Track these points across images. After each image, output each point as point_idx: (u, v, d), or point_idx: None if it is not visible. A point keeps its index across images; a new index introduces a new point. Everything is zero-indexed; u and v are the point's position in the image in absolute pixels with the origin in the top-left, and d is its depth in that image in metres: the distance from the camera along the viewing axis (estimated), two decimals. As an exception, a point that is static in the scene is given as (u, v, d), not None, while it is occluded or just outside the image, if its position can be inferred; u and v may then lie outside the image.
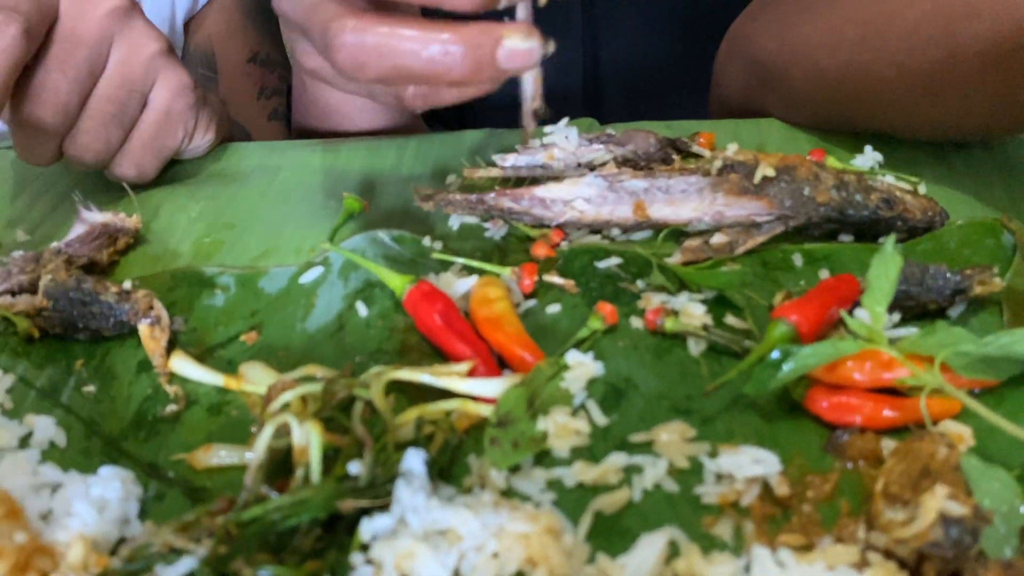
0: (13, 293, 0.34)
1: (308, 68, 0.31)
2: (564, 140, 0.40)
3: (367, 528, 0.22)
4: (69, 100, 0.36)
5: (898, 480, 0.23)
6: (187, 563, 0.22)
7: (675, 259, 0.34)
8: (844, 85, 0.38)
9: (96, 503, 0.25)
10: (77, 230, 0.38)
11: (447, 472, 0.26)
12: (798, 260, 0.34)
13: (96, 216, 0.38)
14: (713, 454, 0.26)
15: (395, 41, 0.27)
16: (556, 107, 0.61)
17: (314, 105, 0.46)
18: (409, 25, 0.27)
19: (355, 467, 0.24)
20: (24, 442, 0.28)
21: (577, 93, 0.64)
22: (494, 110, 0.59)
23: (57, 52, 0.36)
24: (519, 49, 0.27)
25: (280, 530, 0.22)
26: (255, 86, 0.68)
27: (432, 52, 0.27)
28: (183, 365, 0.31)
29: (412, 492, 0.23)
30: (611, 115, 0.61)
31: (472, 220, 0.38)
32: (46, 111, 0.35)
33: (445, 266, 0.35)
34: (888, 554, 0.22)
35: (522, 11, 0.29)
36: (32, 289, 0.34)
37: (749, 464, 0.25)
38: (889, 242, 0.28)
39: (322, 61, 0.30)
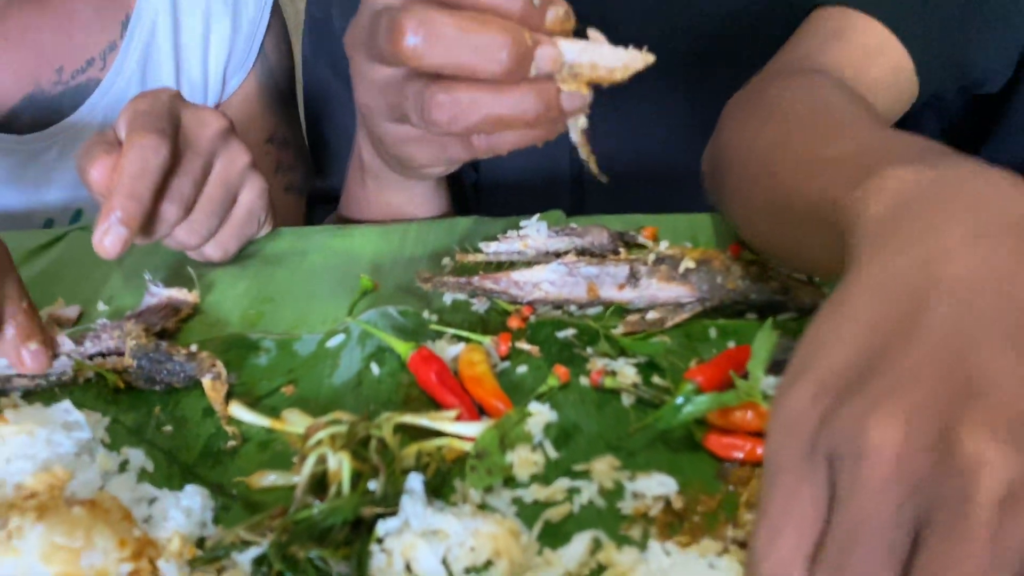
0: (104, 355, 0.44)
1: (397, 136, 0.41)
2: (535, 232, 0.51)
3: (382, 527, 0.32)
4: (189, 197, 0.46)
5: (756, 493, 0.33)
6: (255, 551, 0.32)
7: (618, 331, 0.44)
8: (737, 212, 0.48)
9: (184, 511, 0.34)
10: (148, 302, 0.48)
11: (438, 490, 0.36)
12: (713, 333, 0.44)
13: (162, 291, 0.48)
14: (632, 479, 0.36)
15: (481, 94, 0.35)
16: (545, 189, 0.71)
17: (374, 205, 0.56)
18: (486, 82, 0.35)
19: (373, 485, 0.33)
20: (123, 467, 0.38)
21: (566, 180, 0.73)
22: (503, 188, 0.69)
23: (183, 161, 0.46)
24: (575, 93, 0.36)
25: (321, 528, 0.32)
26: (273, 163, 0.78)
27: (511, 100, 0.35)
28: (239, 411, 0.41)
29: (413, 503, 0.33)
30: (594, 200, 0.71)
31: (462, 297, 0.48)
32: (172, 206, 0.46)
33: (440, 335, 0.44)
34: (742, 544, 0.31)
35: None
36: (119, 351, 0.44)
37: (656, 486, 0.35)
38: (768, 323, 0.38)
39: (408, 128, 0.39)
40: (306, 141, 0.82)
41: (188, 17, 0.73)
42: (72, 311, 0.49)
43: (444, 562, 0.32)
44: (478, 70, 0.35)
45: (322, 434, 0.36)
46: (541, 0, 0.36)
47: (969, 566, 0.19)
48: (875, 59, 0.52)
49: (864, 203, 0.29)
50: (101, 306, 0.49)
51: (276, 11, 0.78)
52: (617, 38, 0.37)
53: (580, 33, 0.37)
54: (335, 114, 0.73)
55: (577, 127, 0.38)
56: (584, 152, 0.40)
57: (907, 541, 0.21)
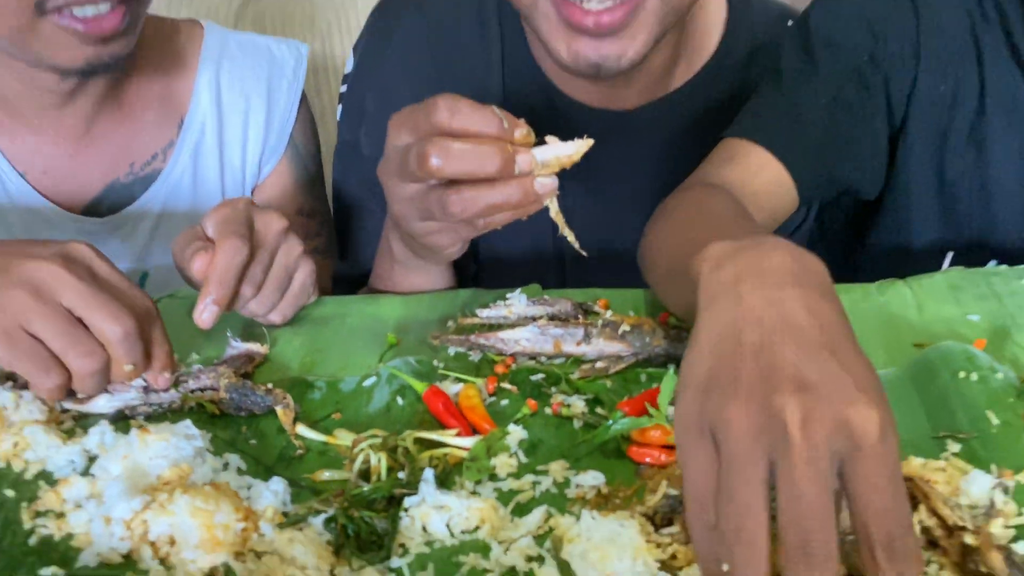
0: (203, 390, 0.61)
1: (426, 230, 0.60)
2: (517, 302, 0.68)
3: (407, 502, 0.49)
4: (260, 281, 0.63)
5: (659, 484, 0.49)
6: (324, 516, 0.48)
7: (575, 375, 0.61)
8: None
9: (272, 492, 0.51)
10: (230, 352, 0.65)
11: (444, 481, 0.52)
12: (643, 378, 0.61)
13: (241, 345, 0.65)
14: (576, 475, 0.52)
15: (481, 191, 0.53)
16: (531, 266, 0.88)
17: (399, 284, 0.74)
18: (484, 182, 0.53)
19: (401, 475, 0.50)
20: (225, 467, 0.54)
21: (550, 258, 0.90)
22: (499, 264, 0.86)
23: (256, 255, 0.63)
24: (545, 183, 0.54)
25: (368, 499, 0.48)
26: (302, 232, 0.96)
27: (502, 192, 0.53)
28: (303, 430, 0.57)
29: (428, 487, 0.49)
30: (573, 272, 0.88)
31: (462, 350, 0.65)
32: (248, 288, 0.63)
33: (445, 377, 0.61)
34: (644, 515, 0.48)
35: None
36: (213, 388, 0.61)
37: (591, 479, 0.51)
38: (670, 370, 0.55)
39: (433, 223, 0.58)
40: (332, 216, 0.99)
41: (230, 116, 0.91)
42: (161, 379, 0.65)
43: (447, 525, 0.48)
44: (479, 174, 0.53)
45: (365, 444, 0.53)
46: (509, 124, 0.54)
47: (799, 466, 0.35)
48: (757, 175, 0.70)
49: (699, 266, 0.46)
50: (194, 356, 0.66)
51: (304, 104, 0.96)
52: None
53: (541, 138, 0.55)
54: (360, 218, 0.90)
55: (553, 207, 0.57)
56: (561, 225, 0.58)
57: (765, 468, 0.36)
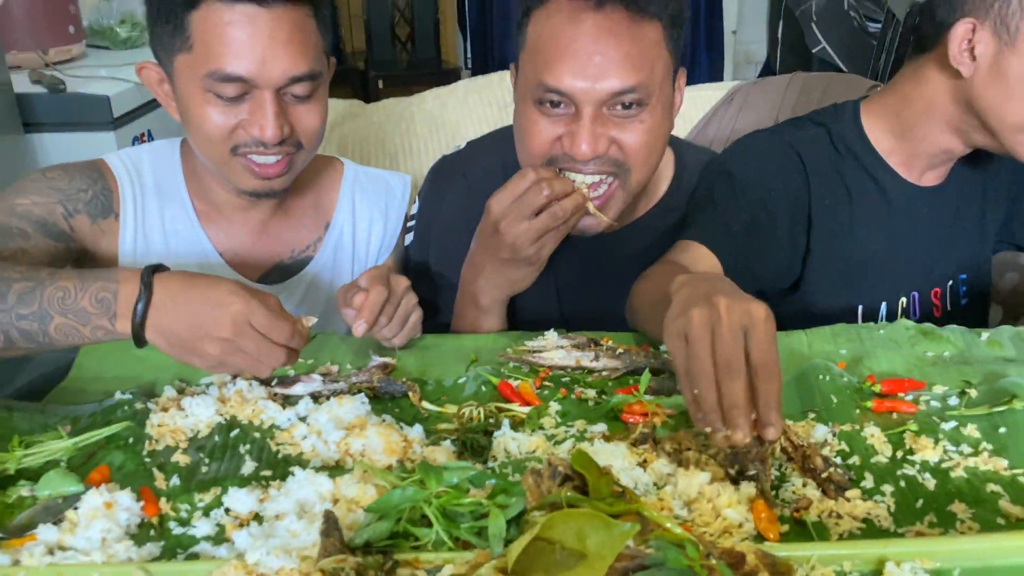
0: (361, 382, 0.98)
1: (533, 249, 1.02)
2: (551, 337, 1.06)
3: (496, 434, 0.86)
4: (391, 315, 1.01)
5: (637, 433, 0.87)
6: (449, 440, 0.86)
7: (589, 379, 0.99)
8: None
9: (415, 431, 0.88)
10: (374, 362, 1.03)
11: (513, 427, 0.89)
12: (631, 381, 0.99)
13: (378, 359, 1.03)
14: (591, 427, 0.89)
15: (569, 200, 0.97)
16: (541, 326, 1.26)
17: (478, 328, 1.12)
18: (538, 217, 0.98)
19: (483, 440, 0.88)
20: (383, 421, 0.92)
21: (556, 322, 1.28)
22: (526, 325, 1.24)
23: (390, 299, 1.01)
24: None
25: (474, 430, 0.86)
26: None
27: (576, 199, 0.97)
28: (427, 404, 0.95)
29: (506, 428, 0.87)
30: (573, 328, 1.26)
31: (518, 365, 1.02)
32: (384, 318, 1.00)
33: (510, 378, 0.99)
34: (629, 443, 0.85)
35: None
36: (368, 381, 0.98)
37: (598, 429, 0.89)
38: (646, 373, 0.93)
39: (541, 240, 1.00)
40: None
41: (360, 224, 1.31)
42: (334, 368, 1.04)
43: (517, 448, 0.85)
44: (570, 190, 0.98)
45: (465, 411, 0.91)
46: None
47: (725, 330, 0.73)
48: (701, 262, 1.09)
49: (673, 286, 0.85)
50: (348, 366, 1.04)
51: (406, 220, 1.36)
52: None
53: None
54: (426, 279, 1.29)
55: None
56: (592, 209, 1.02)
57: (710, 338, 0.73)
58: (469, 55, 5.67)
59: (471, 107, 1.98)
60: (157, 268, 0.88)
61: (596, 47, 0.98)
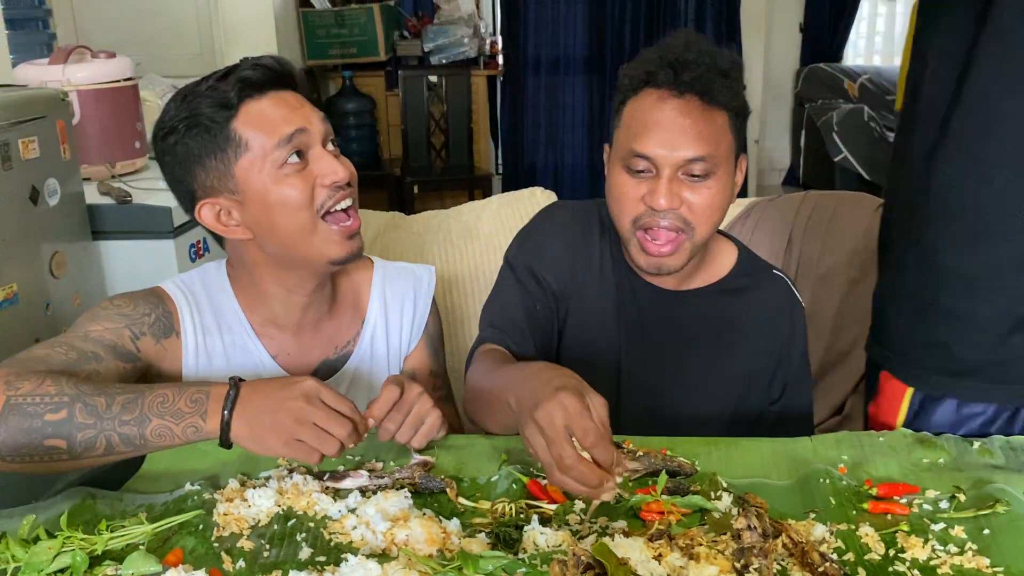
0: (403, 478, 1.09)
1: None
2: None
3: (526, 528, 0.96)
4: (399, 421, 1.11)
5: (655, 527, 0.96)
6: (485, 531, 0.95)
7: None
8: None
9: (453, 523, 0.98)
10: (415, 460, 1.14)
11: (543, 522, 0.99)
12: (650, 482, 1.08)
13: (419, 456, 1.14)
14: (613, 523, 0.99)
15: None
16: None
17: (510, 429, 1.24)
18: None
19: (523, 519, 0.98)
20: (424, 514, 1.02)
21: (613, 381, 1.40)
22: None
23: (401, 406, 1.13)
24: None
25: (506, 525, 0.96)
26: (432, 385, 1.45)
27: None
28: (462, 500, 1.05)
29: (535, 524, 0.97)
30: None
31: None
32: (389, 424, 1.12)
33: (539, 476, 1.09)
34: (647, 539, 0.94)
35: None
36: (409, 477, 1.09)
37: (619, 525, 0.98)
38: (663, 474, 1.03)
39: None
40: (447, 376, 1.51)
41: (391, 315, 1.43)
42: (379, 465, 1.15)
43: (545, 541, 0.95)
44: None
45: (498, 506, 1.01)
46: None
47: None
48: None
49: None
50: (392, 463, 1.15)
51: (434, 304, 1.48)
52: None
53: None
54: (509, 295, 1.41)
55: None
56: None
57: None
58: (500, 161, 5.92)
59: (503, 219, 2.14)
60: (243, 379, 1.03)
61: (675, 123, 1.21)
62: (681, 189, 1.23)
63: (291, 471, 1.10)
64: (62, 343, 1.16)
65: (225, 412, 1.01)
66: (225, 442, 1.02)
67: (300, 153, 1.19)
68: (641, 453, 1.11)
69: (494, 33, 5.79)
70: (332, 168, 1.20)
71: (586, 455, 0.91)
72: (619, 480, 0.94)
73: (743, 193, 5.80)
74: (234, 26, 4.50)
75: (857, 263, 1.99)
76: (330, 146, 1.24)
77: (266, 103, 1.18)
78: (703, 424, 1.37)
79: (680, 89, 1.22)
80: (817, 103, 5.91)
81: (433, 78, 5.06)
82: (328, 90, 5.38)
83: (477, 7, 5.39)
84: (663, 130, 1.22)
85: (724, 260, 1.42)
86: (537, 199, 2.14)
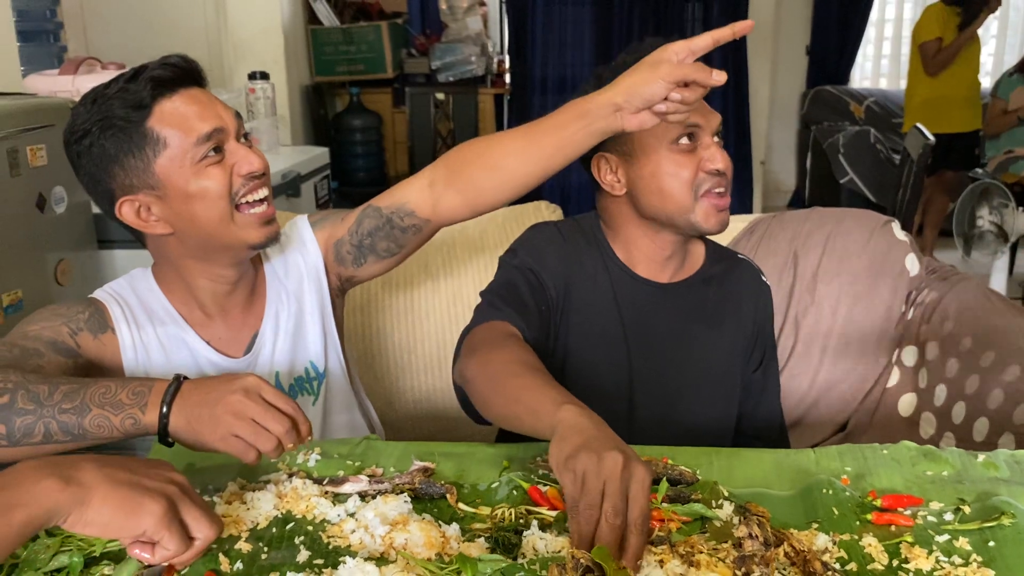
0: (403, 483, 1.08)
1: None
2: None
3: (525, 533, 0.95)
4: None
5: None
6: (484, 536, 0.95)
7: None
8: None
9: (452, 528, 0.98)
10: (415, 466, 1.13)
11: (542, 528, 0.98)
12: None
13: (418, 463, 1.13)
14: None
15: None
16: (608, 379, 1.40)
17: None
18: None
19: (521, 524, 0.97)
20: (423, 518, 1.01)
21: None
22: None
23: None
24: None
25: (504, 529, 0.95)
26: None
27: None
28: (462, 505, 1.04)
29: (534, 529, 0.96)
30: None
31: (547, 472, 1.12)
32: None
33: (540, 484, 1.08)
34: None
35: None
36: (409, 483, 1.08)
37: (620, 531, 0.97)
38: (663, 482, 1.02)
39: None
40: None
41: (291, 267, 1.43)
42: (379, 470, 1.14)
43: (544, 546, 0.94)
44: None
45: (498, 511, 1.00)
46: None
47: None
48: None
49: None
50: (392, 469, 1.14)
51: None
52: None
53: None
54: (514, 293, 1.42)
55: None
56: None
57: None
58: (506, 179, 5.92)
59: (508, 232, 2.13)
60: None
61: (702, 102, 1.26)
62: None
63: (291, 475, 1.10)
64: (3, 343, 1.19)
65: (164, 406, 1.02)
66: (163, 436, 1.03)
67: (217, 148, 1.24)
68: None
69: (501, 52, 5.82)
70: (248, 160, 1.25)
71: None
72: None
73: (748, 211, 5.82)
74: (243, 41, 4.53)
75: (861, 280, 1.98)
76: (243, 140, 1.28)
77: (179, 101, 1.22)
78: (710, 422, 1.45)
79: None
80: (823, 125, 5.93)
81: (440, 95, 5.09)
82: (335, 106, 5.41)
83: (485, 26, 5.42)
84: (699, 105, 1.27)
85: (698, 251, 1.49)
86: (543, 213, 2.14)
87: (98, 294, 1.35)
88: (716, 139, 1.34)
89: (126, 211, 1.25)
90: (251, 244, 1.29)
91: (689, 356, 1.43)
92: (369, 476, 1.10)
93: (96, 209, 2.28)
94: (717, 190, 1.33)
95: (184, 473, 1.08)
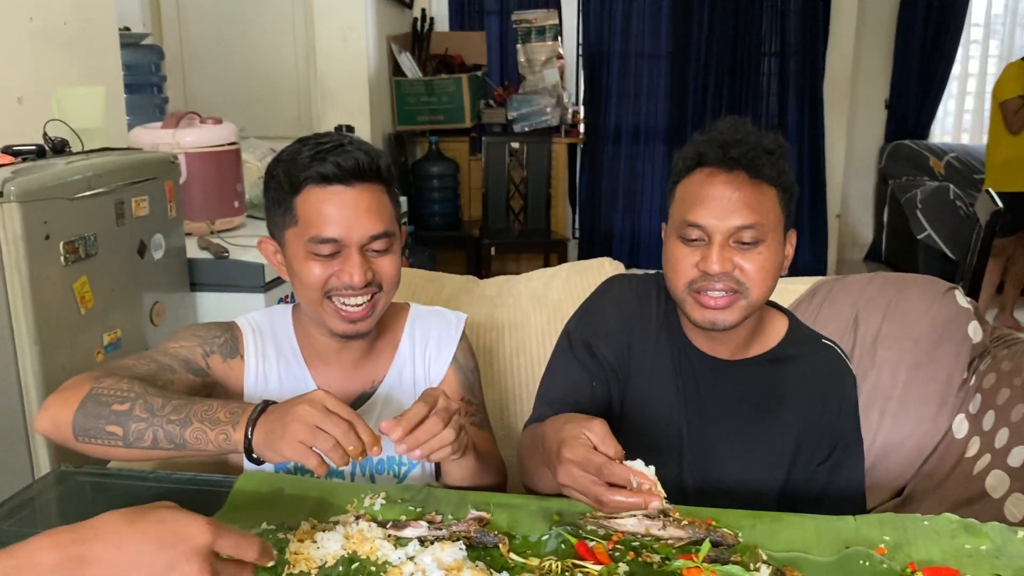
0: (460, 531, 1.16)
1: (564, 491, 1.15)
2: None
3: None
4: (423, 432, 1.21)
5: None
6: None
7: (656, 546, 1.14)
8: None
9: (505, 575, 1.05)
10: (471, 515, 1.21)
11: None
12: (692, 549, 1.13)
13: (475, 513, 1.21)
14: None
15: (625, 502, 1.08)
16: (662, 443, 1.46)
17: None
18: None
19: None
20: (477, 566, 1.09)
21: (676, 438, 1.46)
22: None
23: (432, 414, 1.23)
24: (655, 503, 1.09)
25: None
26: (464, 411, 1.51)
27: (636, 502, 1.08)
28: (513, 555, 1.12)
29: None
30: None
31: (594, 528, 1.18)
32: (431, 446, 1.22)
33: (588, 539, 1.15)
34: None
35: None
36: (466, 531, 1.16)
37: None
38: (706, 543, 1.08)
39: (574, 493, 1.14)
40: (485, 407, 1.59)
41: (418, 349, 1.52)
42: (437, 517, 1.22)
43: None
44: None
45: (546, 563, 1.07)
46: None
47: None
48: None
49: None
50: (450, 517, 1.23)
51: (464, 339, 1.57)
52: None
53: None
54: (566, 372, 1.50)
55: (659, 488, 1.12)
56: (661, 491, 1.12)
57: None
58: (577, 226, 6.03)
59: (572, 287, 2.22)
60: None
61: (725, 195, 1.30)
62: (733, 255, 1.31)
63: (357, 518, 1.19)
64: (146, 356, 1.36)
65: (249, 425, 1.15)
66: (248, 449, 1.16)
67: (333, 252, 1.35)
68: (686, 522, 1.16)
69: (576, 103, 5.96)
70: (347, 273, 1.34)
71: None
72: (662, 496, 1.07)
73: (822, 267, 5.77)
74: (330, 92, 4.77)
75: (922, 346, 1.99)
76: (378, 245, 1.36)
77: (329, 195, 1.33)
78: (756, 493, 1.42)
79: (729, 165, 1.31)
80: (901, 180, 5.87)
81: (515, 144, 5.24)
82: (415, 153, 5.61)
83: (561, 78, 5.57)
84: (714, 201, 1.30)
85: (775, 330, 1.48)
86: (606, 269, 2.22)
87: (240, 320, 1.49)
88: (736, 243, 1.31)
89: (265, 246, 1.42)
90: (332, 331, 1.41)
91: (742, 432, 1.43)
92: (428, 522, 1.19)
93: (190, 254, 2.45)
94: (709, 292, 1.33)
95: (258, 512, 1.19)
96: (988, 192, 3.29)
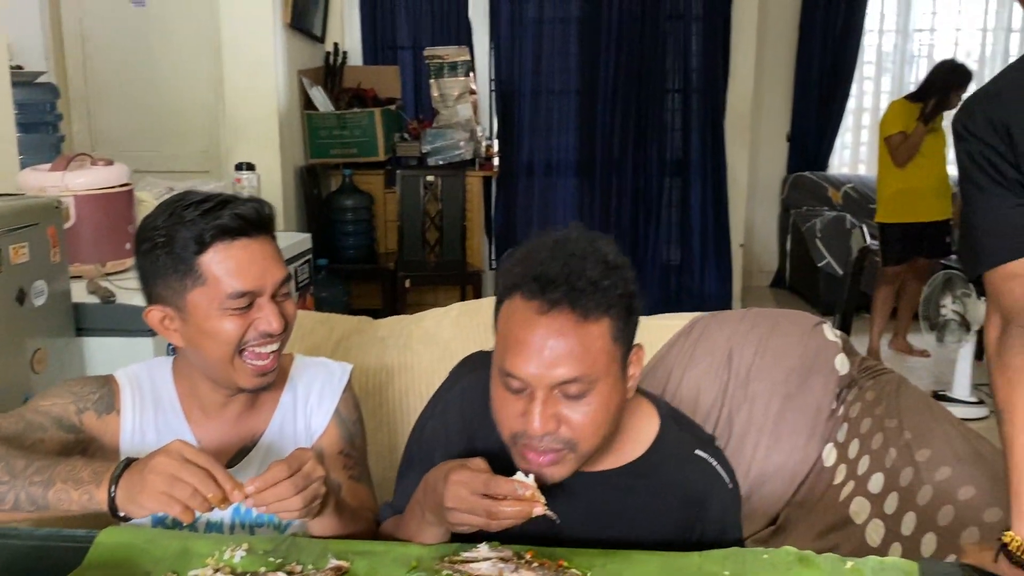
0: (316, 581, 1.18)
1: (456, 520, 1.18)
2: (483, 548, 1.25)
3: None
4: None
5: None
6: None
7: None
8: None
9: None
10: (331, 564, 1.23)
11: None
12: None
13: (335, 561, 1.23)
14: None
15: (514, 510, 1.14)
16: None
17: (423, 538, 1.30)
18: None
19: None
20: None
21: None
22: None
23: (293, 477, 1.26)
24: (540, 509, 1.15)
25: None
26: (342, 464, 1.52)
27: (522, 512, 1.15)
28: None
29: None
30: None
31: (451, 572, 1.22)
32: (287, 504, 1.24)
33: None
34: None
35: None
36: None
37: None
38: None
39: (468, 517, 1.17)
40: (366, 461, 1.59)
41: (300, 401, 1.51)
42: (297, 568, 1.24)
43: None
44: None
45: (396, 610, 1.10)
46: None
47: None
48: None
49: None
50: (310, 566, 1.24)
51: (348, 391, 1.57)
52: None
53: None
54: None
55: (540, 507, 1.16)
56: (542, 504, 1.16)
57: None
58: (493, 257, 6.10)
59: (462, 327, 2.26)
60: None
61: (545, 344, 1.15)
62: (558, 407, 1.18)
63: (216, 571, 1.20)
64: (15, 414, 1.35)
65: (112, 483, 1.16)
66: (112, 507, 1.16)
67: (247, 305, 1.36)
68: (537, 564, 1.20)
69: (490, 137, 6.05)
70: (268, 320, 1.37)
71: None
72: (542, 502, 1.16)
73: (727, 295, 5.94)
74: (239, 126, 4.75)
75: (792, 379, 2.09)
76: (283, 290, 1.40)
77: (234, 251, 1.34)
78: None
79: (548, 305, 1.15)
80: (802, 209, 6.11)
81: (430, 178, 5.28)
82: (329, 186, 5.61)
83: (474, 113, 5.64)
84: (532, 350, 1.15)
85: (642, 436, 1.36)
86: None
87: (118, 373, 1.47)
88: (562, 394, 1.18)
89: (153, 316, 1.38)
90: (240, 388, 1.42)
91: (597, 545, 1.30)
92: (288, 573, 1.20)
93: (77, 298, 2.42)
94: (534, 448, 1.22)
95: (117, 568, 1.20)
96: (860, 228, 3.45)
